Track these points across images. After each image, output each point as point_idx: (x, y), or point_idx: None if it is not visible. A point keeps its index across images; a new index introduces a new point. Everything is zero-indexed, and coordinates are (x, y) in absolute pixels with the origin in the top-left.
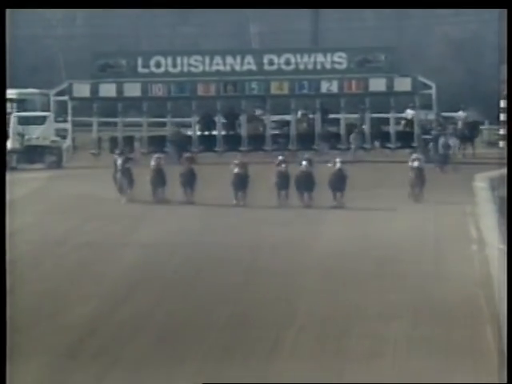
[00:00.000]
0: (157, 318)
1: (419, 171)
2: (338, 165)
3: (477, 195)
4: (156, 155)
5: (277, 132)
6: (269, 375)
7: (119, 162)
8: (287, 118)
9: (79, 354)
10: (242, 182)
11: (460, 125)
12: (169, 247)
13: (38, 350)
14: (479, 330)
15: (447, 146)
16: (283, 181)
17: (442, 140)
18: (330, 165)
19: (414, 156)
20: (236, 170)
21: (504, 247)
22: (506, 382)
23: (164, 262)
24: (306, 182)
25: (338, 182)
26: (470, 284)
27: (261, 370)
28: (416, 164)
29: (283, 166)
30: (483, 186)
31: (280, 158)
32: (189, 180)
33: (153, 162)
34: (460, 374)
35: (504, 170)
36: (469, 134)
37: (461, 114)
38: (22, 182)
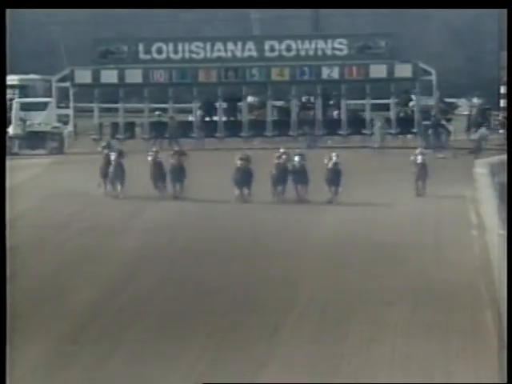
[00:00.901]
0: (158, 303)
1: (423, 166)
2: (334, 159)
3: (477, 181)
4: (153, 149)
5: (277, 118)
6: (269, 359)
7: (113, 157)
8: (288, 103)
9: (81, 339)
10: (245, 177)
11: (474, 111)
12: (169, 232)
13: (40, 334)
14: (479, 315)
15: (447, 132)
16: (281, 174)
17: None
18: (326, 161)
19: (418, 151)
20: (239, 164)
21: (504, 233)
22: (506, 381)
23: (165, 246)
24: (300, 177)
25: (334, 178)
26: (469, 269)
27: (261, 354)
28: (420, 159)
29: (283, 158)
30: (483, 172)
31: (281, 150)
32: (178, 175)
33: (150, 157)
34: (460, 358)
35: (504, 156)
36: (481, 120)
37: (475, 100)
38: (23, 168)
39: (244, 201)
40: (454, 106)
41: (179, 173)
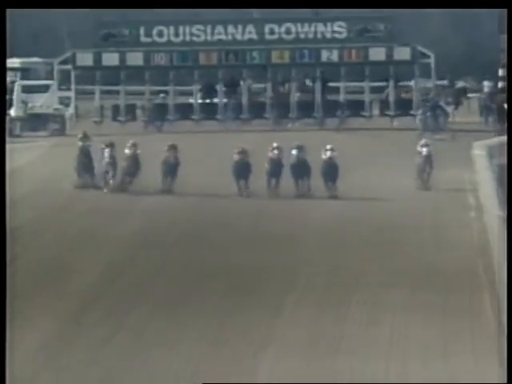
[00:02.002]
0: (159, 284)
1: (427, 158)
2: (329, 153)
3: (475, 163)
4: (131, 142)
5: (277, 100)
6: (269, 341)
7: (106, 152)
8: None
9: (83, 319)
10: (243, 171)
11: (486, 94)
12: (170, 213)
13: (42, 315)
14: (477, 296)
15: (445, 114)
16: (275, 168)
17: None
18: (322, 154)
19: (423, 142)
20: (237, 158)
21: (503, 214)
22: (506, 381)
23: (166, 229)
24: (299, 171)
25: (330, 171)
26: (468, 250)
27: (261, 336)
28: (425, 150)
29: (276, 152)
30: (481, 154)
31: (274, 144)
32: (171, 169)
33: (127, 150)
34: (458, 340)
35: (502, 138)
36: (492, 102)
37: (486, 83)
38: (25, 150)
39: (243, 195)
40: (462, 90)
41: (172, 167)
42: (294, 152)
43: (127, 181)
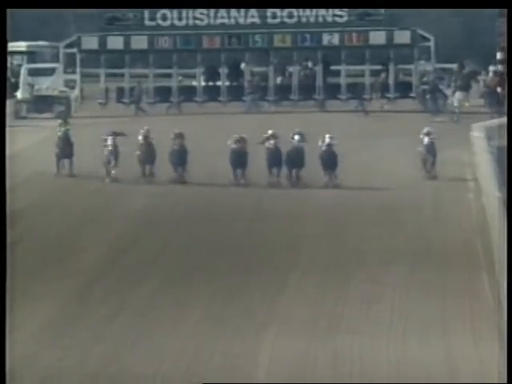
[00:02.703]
0: (163, 264)
1: (431, 146)
2: (328, 140)
3: (473, 145)
4: (144, 128)
5: (279, 83)
6: (272, 319)
7: (110, 141)
8: (290, 69)
9: (87, 299)
10: (240, 159)
11: (491, 78)
12: (173, 195)
13: (47, 294)
14: (475, 274)
15: (444, 96)
16: (273, 158)
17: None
18: (320, 143)
19: (426, 130)
20: (234, 146)
21: (500, 195)
22: (506, 382)
23: (169, 209)
24: (297, 158)
25: (328, 160)
26: (466, 230)
27: (264, 314)
28: (427, 139)
29: (272, 142)
30: (480, 136)
31: (270, 132)
32: (179, 158)
33: (140, 137)
34: (456, 317)
35: (501, 120)
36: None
37: (491, 67)
38: (31, 131)
39: (239, 183)
40: (472, 73)
41: (181, 155)
42: (296, 137)
43: (147, 170)
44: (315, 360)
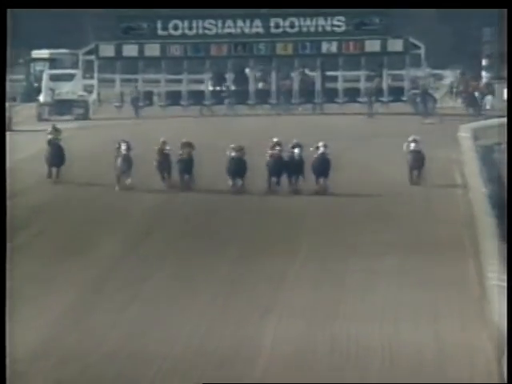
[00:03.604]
0: (173, 254)
1: (417, 154)
2: (322, 149)
3: (461, 144)
4: (161, 140)
5: (282, 87)
6: (274, 305)
7: (123, 147)
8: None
9: (104, 288)
10: (238, 168)
11: (483, 84)
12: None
13: (67, 284)
14: (463, 265)
15: (433, 100)
16: (276, 165)
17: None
18: (312, 149)
19: (411, 138)
20: (232, 154)
21: (486, 191)
22: (506, 382)
23: (179, 199)
24: (297, 169)
25: (321, 167)
26: (455, 223)
27: (266, 300)
28: (413, 146)
29: (277, 149)
30: (467, 136)
31: (275, 140)
32: (187, 167)
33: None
34: (446, 304)
35: (486, 122)
36: (488, 92)
37: (484, 74)
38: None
39: (237, 191)
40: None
41: (188, 164)
42: (295, 151)
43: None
44: (315, 343)
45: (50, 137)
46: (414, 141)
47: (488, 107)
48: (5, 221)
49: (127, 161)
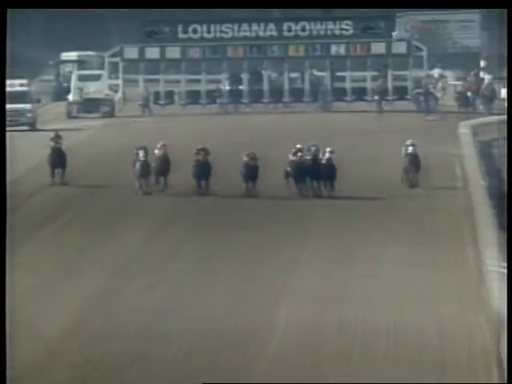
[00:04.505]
0: (195, 244)
1: (414, 157)
2: (327, 155)
3: (461, 140)
4: (161, 143)
5: (294, 86)
6: (287, 289)
7: (141, 153)
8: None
9: (130, 273)
10: (251, 173)
11: (485, 85)
12: None
13: (96, 269)
14: (462, 252)
15: (435, 99)
16: (299, 171)
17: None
18: (322, 156)
19: (409, 142)
20: (246, 161)
21: (484, 183)
22: (506, 381)
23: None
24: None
25: (328, 173)
26: (455, 214)
27: (279, 286)
28: (410, 150)
29: (299, 155)
30: (466, 132)
31: (298, 146)
32: (203, 172)
33: (157, 151)
34: (446, 288)
35: (485, 119)
36: (489, 94)
37: (487, 76)
38: (80, 129)
39: (250, 195)
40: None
41: (204, 169)
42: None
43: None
44: (324, 326)
45: (52, 143)
46: (412, 145)
47: (481, 107)
48: (5, 218)
49: (145, 167)
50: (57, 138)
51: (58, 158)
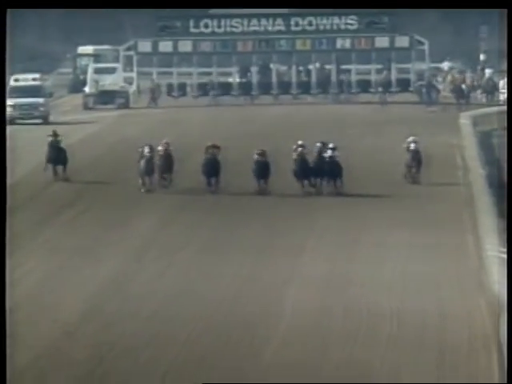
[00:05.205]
0: (205, 231)
1: (416, 153)
2: (329, 152)
3: (462, 130)
4: (164, 141)
5: (301, 79)
6: (295, 274)
7: (146, 150)
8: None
9: (142, 258)
10: (263, 170)
11: (486, 79)
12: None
13: (110, 254)
14: (462, 237)
15: (436, 91)
16: (302, 167)
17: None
18: (320, 153)
19: (411, 138)
20: (256, 158)
21: (484, 172)
22: (506, 382)
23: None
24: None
25: (331, 171)
26: (456, 201)
27: (287, 271)
28: (412, 146)
29: (300, 150)
30: (467, 123)
31: (299, 142)
32: (212, 169)
33: (160, 147)
34: (447, 273)
35: (484, 110)
36: (489, 88)
37: (488, 70)
38: (96, 119)
39: (261, 192)
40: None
41: (214, 166)
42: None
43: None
44: (330, 309)
45: (50, 139)
46: (414, 141)
47: (483, 99)
48: (4, 217)
49: (150, 163)
50: (55, 135)
51: (57, 155)
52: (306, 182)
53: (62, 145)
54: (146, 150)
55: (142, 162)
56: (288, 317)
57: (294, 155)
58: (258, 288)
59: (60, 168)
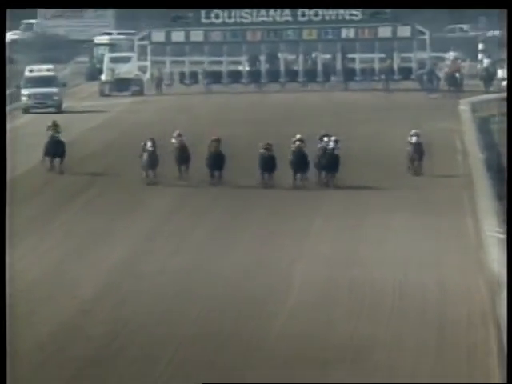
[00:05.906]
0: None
1: (418, 146)
2: (332, 144)
3: (461, 116)
4: (177, 132)
5: (307, 68)
6: (302, 253)
7: (149, 144)
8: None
9: (155, 238)
10: (267, 164)
11: (484, 68)
12: None
13: (124, 235)
14: (462, 220)
15: (437, 78)
16: (299, 160)
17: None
18: (319, 145)
19: (413, 132)
20: (262, 152)
21: (482, 156)
22: (506, 382)
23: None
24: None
25: (329, 163)
26: (455, 185)
27: (295, 251)
28: (414, 139)
29: (298, 143)
30: (466, 109)
31: (298, 136)
32: (216, 163)
33: (174, 140)
34: (447, 253)
35: (483, 96)
36: (487, 76)
37: (486, 60)
38: (111, 106)
39: (266, 185)
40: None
41: (217, 160)
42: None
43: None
44: (336, 286)
45: (50, 132)
46: (416, 134)
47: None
48: (4, 215)
49: (152, 157)
50: (55, 126)
51: (55, 148)
52: (298, 175)
53: (61, 138)
54: (149, 144)
55: (145, 156)
56: (295, 293)
57: (293, 147)
58: (266, 267)
59: (57, 161)
